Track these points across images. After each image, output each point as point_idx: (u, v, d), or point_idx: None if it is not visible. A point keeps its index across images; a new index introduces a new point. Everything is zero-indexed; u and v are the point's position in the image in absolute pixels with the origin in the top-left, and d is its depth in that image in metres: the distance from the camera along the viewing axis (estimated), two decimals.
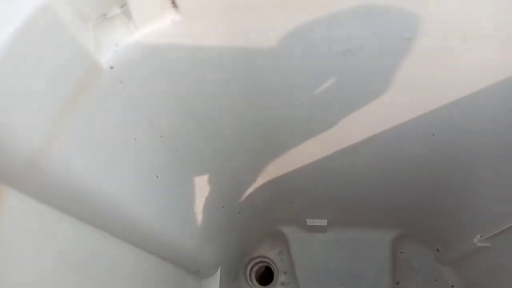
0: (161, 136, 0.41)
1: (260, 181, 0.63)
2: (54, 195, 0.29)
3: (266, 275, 0.96)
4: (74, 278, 0.33)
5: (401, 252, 0.82)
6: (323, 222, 0.75)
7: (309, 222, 0.75)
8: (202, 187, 0.53)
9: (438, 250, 0.78)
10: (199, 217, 0.55)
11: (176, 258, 0.53)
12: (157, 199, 0.43)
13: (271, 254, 0.89)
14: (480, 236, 0.61)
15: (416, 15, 0.34)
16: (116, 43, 0.33)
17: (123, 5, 0.36)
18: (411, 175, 0.61)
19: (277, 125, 0.50)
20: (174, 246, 0.49)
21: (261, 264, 0.94)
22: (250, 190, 0.64)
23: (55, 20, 0.27)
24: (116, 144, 0.34)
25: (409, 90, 0.41)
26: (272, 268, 0.91)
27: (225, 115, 0.46)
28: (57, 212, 0.31)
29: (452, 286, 0.78)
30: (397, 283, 0.80)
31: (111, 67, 0.33)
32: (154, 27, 0.34)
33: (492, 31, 0.35)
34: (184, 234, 0.52)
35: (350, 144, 0.53)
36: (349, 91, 0.42)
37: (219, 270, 0.67)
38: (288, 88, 0.43)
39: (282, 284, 0.86)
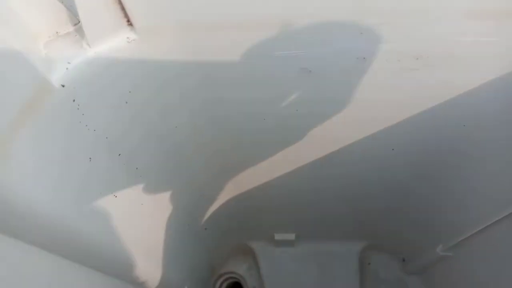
0: (119, 155, 0.40)
1: (225, 197, 0.63)
2: (10, 224, 0.28)
3: None
4: None
5: (369, 263, 0.83)
6: (291, 236, 0.74)
7: (277, 236, 0.75)
8: (164, 205, 0.52)
9: (403, 260, 0.80)
10: (162, 236, 0.53)
11: (138, 280, 0.51)
12: (116, 220, 0.42)
13: (240, 270, 0.88)
14: (442, 246, 0.63)
15: (372, 35, 0.35)
16: (68, 61, 0.32)
17: (76, 23, 0.35)
18: (375, 188, 0.62)
19: (240, 140, 0.50)
20: (136, 268, 0.48)
21: (230, 280, 0.92)
22: (215, 206, 0.63)
23: (1, 38, 0.26)
24: (68, 165, 0.33)
25: (367, 106, 0.42)
26: (242, 283, 0.89)
27: (184, 130, 0.45)
28: (21, 243, 0.29)
29: None
30: None
31: (63, 86, 0.32)
32: (108, 44, 0.33)
33: (442, 51, 0.36)
34: (149, 256, 0.50)
35: (313, 159, 0.54)
36: (309, 106, 0.42)
37: None
38: (249, 101, 0.43)
39: None
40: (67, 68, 0.32)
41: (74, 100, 0.33)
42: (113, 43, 0.33)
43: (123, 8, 0.33)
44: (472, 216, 0.54)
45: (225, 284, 0.91)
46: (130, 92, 0.37)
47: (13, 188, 0.27)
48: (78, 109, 0.33)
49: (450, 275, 0.68)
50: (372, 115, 0.41)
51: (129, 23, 0.33)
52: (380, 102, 0.39)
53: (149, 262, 0.51)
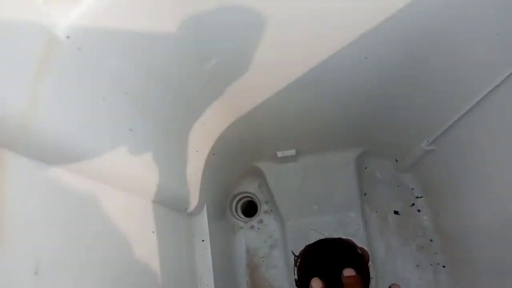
0: (126, 93, 0.46)
1: (227, 122, 0.69)
2: (47, 153, 0.35)
3: (250, 207, 1.06)
4: (80, 228, 0.40)
5: (365, 168, 0.92)
6: (291, 152, 0.82)
7: (279, 154, 0.82)
8: (174, 135, 0.58)
9: (396, 161, 0.88)
10: (177, 162, 0.61)
11: (164, 200, 0.59)
12: (136, 150, 0.49)
13: (252, 188, 0.98)
14: (427, 141, 0.70)
15: None
16: (67, 14, 0.37)
17: None
18: (362, 97, 0.68)
19: (236, 67, 0.55)
20: (160, 190, 0.56)
21: (244, 200, 1.03)
22: (220, 132, 0.70)
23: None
24: (88, 105, 0.39)
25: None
26: (255, 201, 1.00)
27: (184, 67, 0.50)
28: (55, 168, 0.37)
29: (412, 188, 0.89)
30: (365, 194, 0.90)
31: (68, 37, 0.37)
32: None
33: None
34: (169, 179, 0.58)
35: (304, 75, 0.59)
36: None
37: (204, 207, 0.74)
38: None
39: (265, 212, 0.96)
40: (66, 22, 0.37)
41: (79, 49, 0.38)
42: None
43: None
44: (448, 108, 0.60)
45: (240, 203, 1.02)
46: (129, 36, 0.41)
47: (46, 125, 0.33)
48: (84, 56, 0.39)
49: (434, 167, 0.77)
50: (352, 22, 0.45)
51: None
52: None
53: (175, 185, 0.60)
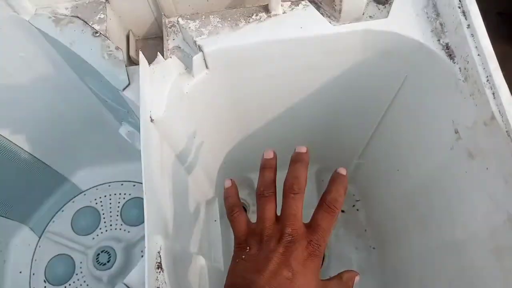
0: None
1: (231, 145, 1.09)
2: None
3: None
4: None
5: (322, 180, 1.33)
6: None
7: None
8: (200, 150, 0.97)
9: None
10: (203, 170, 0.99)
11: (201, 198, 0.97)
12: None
13: (243, 195, 1.36)
14: (356, 157, 1.12)
15: None
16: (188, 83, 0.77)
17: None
18: (314, 127, 1.06)
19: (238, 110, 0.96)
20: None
21: None
22: (228, 150, 1.09)
23: None
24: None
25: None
26: (245, 206, 1.37)
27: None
28: None
29: (353, 194, 1.30)
30: None
31: (187, 92, 0.77)
32: None
33: None
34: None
35: (285, 112, 1.00)
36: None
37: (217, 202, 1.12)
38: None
39: (254, 212, 1.33)
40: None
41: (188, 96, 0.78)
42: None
43: None
44: (363, 131, 1.02)
45: None
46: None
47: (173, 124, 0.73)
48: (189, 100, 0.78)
49: (365, 176, 1.18)
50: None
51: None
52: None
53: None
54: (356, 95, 0.86)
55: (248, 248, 0.47)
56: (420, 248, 0.84)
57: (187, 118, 0.76)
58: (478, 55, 0.59)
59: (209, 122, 0.86)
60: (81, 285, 1.23)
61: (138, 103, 0.53)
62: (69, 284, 1.23)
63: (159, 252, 0.51)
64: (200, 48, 0.66)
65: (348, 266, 1.22)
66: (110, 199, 1.32)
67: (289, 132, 1.06)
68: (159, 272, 0.51)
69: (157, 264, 0.51)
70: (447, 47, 0.66)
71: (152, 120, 0.58)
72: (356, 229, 1.26)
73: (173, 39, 0.72)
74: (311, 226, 0.50)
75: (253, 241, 0.48)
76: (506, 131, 0.51)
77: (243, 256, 0.46)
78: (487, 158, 0.55)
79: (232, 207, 0.55)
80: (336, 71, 0.78)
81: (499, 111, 0.54)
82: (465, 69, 0.62)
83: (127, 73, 0.63)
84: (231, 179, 0.61)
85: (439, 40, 0.67)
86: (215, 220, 1.09)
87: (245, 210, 1.36)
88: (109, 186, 1.33)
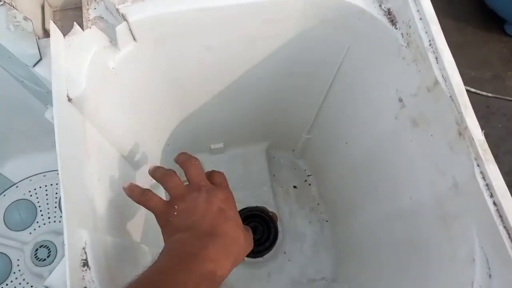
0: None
1: (174, 124, 1.02)
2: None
3: None
4: None
5: (273, 157, 1.30)
6: (220, 144, 1.17)
7: (212, 146, 1.17)
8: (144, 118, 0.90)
9: (293, 150, 1.28)
10: (143, 147, 0.92)
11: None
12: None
13: None
14: (305, 132, 1.10)
15: None
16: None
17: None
18: (262, 103, 1.03)
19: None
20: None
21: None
22: (173, 127, 1.03)
23: None
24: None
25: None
26: None
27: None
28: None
29: (304, 169, 1.29)
30: (274, 175, 1.29)
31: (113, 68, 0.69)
32: None
33: None
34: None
35: (225, 91, 0.94)
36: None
37: None
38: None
39: None
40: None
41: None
42: None
43: None
44: (310, 106, 1.00)
45: None
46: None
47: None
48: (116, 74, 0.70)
49: (315, 151, 1.17)
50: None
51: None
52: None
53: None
54: (300, 69, 0.83)
55: (176, 206, 0.52)
56: (370, 219, 0.84)
57: (118, 97, 0.69)
58: (420, 18, 0.57)
59: (146, 101, 0.79)
60: (20, 283, 1.13)
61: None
62: (6, 284, 1.13)
63: (84, 248, 0.46)
64: (124, 17, 0.59)
65: (302, 240, 1.22)
66: (46, 190, 1.21)
67: (234, 110, 1.01)
68: (85, 270, 0.45)
69: (83, 261, 0.45)
70: (389, 13, 0.63)
71: (70, 100, 0.51)
72: (309, 203, 1.26)
73: (94, 8, 0.64)
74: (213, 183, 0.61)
75: (177, 200, 0.53)
76: (450, 96, 0.50)
77: (175, 213, 0.52)
78: (431, 125, 0.54)
79: (141, 194, 0.57)
80: (277, 42, 0.74)
81: (442, 75, 0.52)
82: (407, 34, 0.60)
83: (38, 47, 0.54)
84: (127, 183, 0.60)
85: (380, 5, 0.64)
86: None
87: None
88: (44, 176, 1.22)
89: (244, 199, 1.23)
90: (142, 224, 0.85)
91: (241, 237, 0.52)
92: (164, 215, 0.53)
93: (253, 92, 0.87)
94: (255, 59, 0.78)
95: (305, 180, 1.28)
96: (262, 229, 1.18)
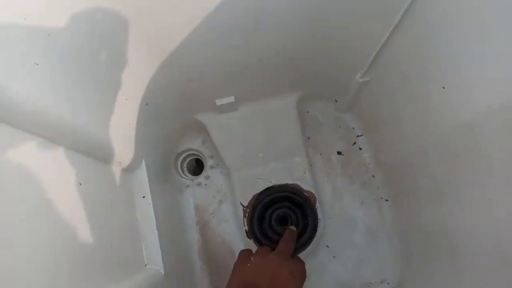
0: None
1: (156, 67, 0.65)
2: None
3: (198, 166, 1.03)
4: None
5: (308, 112, 0.91)
6: (230, 99, 0.79)
7: (218, 102, 0.79)
8: (96, 78, 0.53)
9: (336, 101, 0.88)
10: (101, 107, 0.56)
11: (87, 149, 0.54)
12: (46, 87, 0.43)
13: (195, 145, 0.94)
14: (361, 73, 0.70)
15: None
16: None
17: None
18: (295, 36, 0.66)
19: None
20: (79, 134, 0.51)
21: (190, 158, 0.99)
22: (149, 79, 0.66)
23: None
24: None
25: None
26: (201, 158, 0.97)
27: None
28: None
29: (353, 128, 0.90)
30: (308, 138, 0.91)
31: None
32: None
33: None
34: (89, 124, 0.53)
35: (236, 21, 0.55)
36: None
37: (143, 162, 0.71)
38: None
39: (212, 167, 0.93)
40: None
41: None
42: None
43: None
44: (372, 34, 0.60)
45: (186, 162, 0.98)
46: None
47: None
48: None
49: (372, 101, 0.77)
50: None
51: None
52: None
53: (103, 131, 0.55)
54: None
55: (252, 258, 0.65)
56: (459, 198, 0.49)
57: None
58: None
59: None
60: None
61: None
62: None
63: None
64: None
65: (352, 228, 0.87)
66: None
67: (250, 41, 0.63)
68: None
69: None
70: None
71: None
72: (360, 176, 0.89)
73: None
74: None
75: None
76: None
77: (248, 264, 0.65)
78: None
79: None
80: None
81: None
82: None
83: None
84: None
85: None
86: (144, 197, 0.68)
87: (202, 163, 0.96)
88: None
89: (268, 175, 0.87)
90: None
91: None
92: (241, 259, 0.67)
93: (282, 11, 0.49)
94: None
95: (354, 143, 0.90)
96: (295, 217, 0.83)
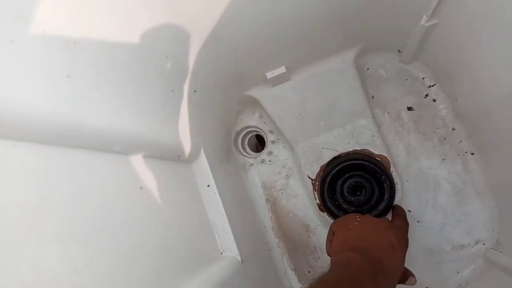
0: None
1: (198, 49, 0.61)
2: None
3: (260, 142, 1.00)
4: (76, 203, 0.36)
5: (368, 68, 0.83)
6: (281, 70, 0.74)
7: (269, 75, 0.74)
8: (135, 79, 0.51)
9: (399, 51, 0.78)
10: (151, 107, 0.54)
11: (153, 152, 0.54)
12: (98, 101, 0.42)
13: (253, 121, 0.91)
14: (426, 16, 0.60)
15: None
16: None
17: None
18: None
19: None
20: (141, 141, 0.50)
21: (250, 135, 0.97)
22: (192, 64, 0.62)
23: None
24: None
25: None
26: (260, 133, 0.94)
27: None
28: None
29: (423, 78, 0.80)
30: (372, 97, 0.82)
31: None
32: None
33: None
34: (146, 127, 0.52)
35: None
36: None
37: (202, 151, 0.69)
38: None
39: (273, 142, 0.90)
40: None
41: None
42: None
43: None
44: None
45: (246, 140, 0.96)
46: None
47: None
48: None
49: (442, 45, 0.67)
50: None
51: None
52: None
53: (158, 134, 0.54)
54: None
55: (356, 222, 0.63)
56: None
57: None
58: None
59: None
60: None
61: None
62: None
63: None
64: None
65: (435, 189, 0.79)
66: None
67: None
68: None
69: None
70: None
71: None
72: (438, 130, 0.80)
73: None
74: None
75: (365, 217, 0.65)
76: None
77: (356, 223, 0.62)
78: None
79: None
80: None
81: None
82: None
83: None
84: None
85: None
86: (208, 185, 0.67)
87: (263, 139, 0.92)
88: None
89: (333, 143, 0.81)
90: None
91: (400, 273, 0.56)
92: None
93: None
94: None
95: (426, 95, 0.80)
96: (369, 185, 0.77)
